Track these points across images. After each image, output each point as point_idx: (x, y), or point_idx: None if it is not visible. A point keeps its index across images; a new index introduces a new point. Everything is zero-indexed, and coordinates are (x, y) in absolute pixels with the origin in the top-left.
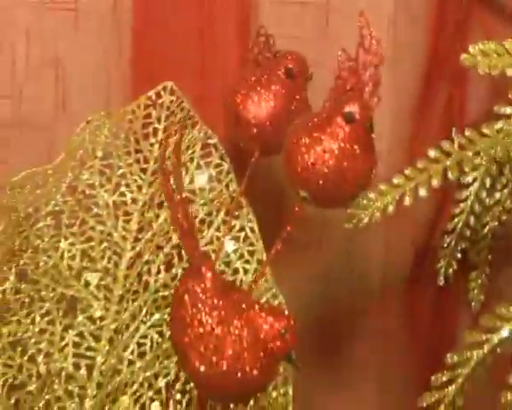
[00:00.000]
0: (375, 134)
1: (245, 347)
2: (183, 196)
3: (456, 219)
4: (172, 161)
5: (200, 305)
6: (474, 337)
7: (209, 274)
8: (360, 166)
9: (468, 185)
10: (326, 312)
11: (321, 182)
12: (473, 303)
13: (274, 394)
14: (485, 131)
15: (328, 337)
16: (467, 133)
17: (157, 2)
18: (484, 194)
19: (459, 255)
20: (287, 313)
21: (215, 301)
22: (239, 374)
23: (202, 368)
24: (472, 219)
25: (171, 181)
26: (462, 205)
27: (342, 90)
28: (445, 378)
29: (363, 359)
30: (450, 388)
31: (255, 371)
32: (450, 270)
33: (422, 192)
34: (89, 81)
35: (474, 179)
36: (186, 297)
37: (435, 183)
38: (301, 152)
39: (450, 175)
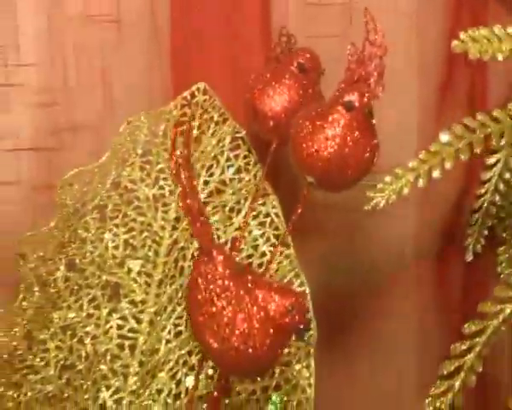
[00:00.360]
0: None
1: (255, 324)
2: (194, 184)
3: (481, 199)
4: (182, 151)
5: (212, 286)
6: (489, 308)
7: (220, 258)
8: (361, 151)
9: (491, 166)
10: (364, 284)
11: (325, 167)
12: (501, 276)
13: (297, 367)
14: (497, 115)
15: (365, 309)
16: (478, 117)
17: (191, 13)
18: (508, 174)
19: (486, 232)
20: (296, 291)
21: (226, 282)
22: (250, 350)
23: (215, 345)
24: (497, 198)
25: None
26: (486, 185)
27: (350, 81)
28: (463, 347)
29: (400, 330)
30: (468, 356)
31: (265, 347)
32: (479, 246)
33: (436, 174)
34: (133, 86)
35: (498, 161)
36: (199, 280)
37: (448, 165)
38: (306, 140)
39: (462, 157)
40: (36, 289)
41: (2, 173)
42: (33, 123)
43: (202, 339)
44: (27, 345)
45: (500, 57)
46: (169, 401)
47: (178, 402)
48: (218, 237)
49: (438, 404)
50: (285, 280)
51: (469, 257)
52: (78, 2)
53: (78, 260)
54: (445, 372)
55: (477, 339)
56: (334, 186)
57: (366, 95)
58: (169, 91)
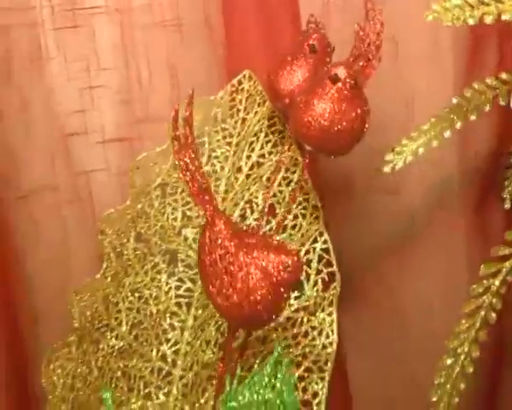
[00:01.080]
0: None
1: (255, 282)
2: (197, 158)
3: None
4: (184, 132)
5: (215, 250)
6: (502, 251)
7: (221, 223)
8: (351, 119)
9: None
10: (407, 237)
11: (318, 135)
12: None
13: (322, 315)
14: (504, 77)
15: (408, 262)
16: (487, 80)
17: (238, 20)
18: None
19: None
20: (292, 249)
21: (227, 244)
22: (252, 305)
23: (220, 301)
24: None
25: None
26: None
27: (354, 57)
28: (481, 289)
29: (448, 265)
30: (487, 294)
31: (265, 302)
32: None
33: (447, 134)
34: (195, 81)
35: None
36: (205, 246)
37: (458, 125)
38: (300, 112)
39: (471, 117)
40: (113, 259)
41: (93, 162)
42: (115, 118)
43: (211, 298)
44: (105, 307)
45: (471, 22)
46: (215, 350)
47: (222, 352)
48: (257, 204)
49: (462, 338)
50: (311, 239)
51: (507, 205)
52: (144, 12)
53: (143, 232)
54: (467, 311)
55: (494, 279)
56: (330, 152)
57: (352, 68)
58: (224, 84)
